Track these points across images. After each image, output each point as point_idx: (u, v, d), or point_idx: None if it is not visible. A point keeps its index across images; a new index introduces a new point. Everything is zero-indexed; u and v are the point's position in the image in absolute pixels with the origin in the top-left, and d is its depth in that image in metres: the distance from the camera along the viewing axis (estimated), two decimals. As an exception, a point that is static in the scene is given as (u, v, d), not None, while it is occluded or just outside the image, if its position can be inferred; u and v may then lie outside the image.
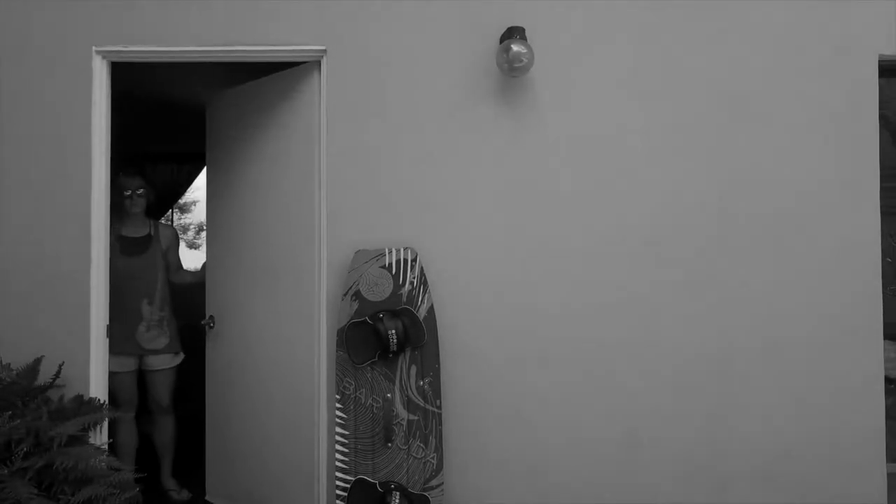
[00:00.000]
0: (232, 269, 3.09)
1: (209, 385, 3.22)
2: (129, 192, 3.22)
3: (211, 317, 3.17)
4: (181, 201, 5.78)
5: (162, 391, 3.31)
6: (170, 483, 3.36)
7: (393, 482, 2.46)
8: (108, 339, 2.69)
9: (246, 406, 3.00)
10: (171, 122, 4.83)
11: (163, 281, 3.31)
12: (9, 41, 2.63)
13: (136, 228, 3.29)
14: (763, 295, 2.66)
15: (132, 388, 3.23)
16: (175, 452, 3.42)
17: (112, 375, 2.87)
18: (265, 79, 2.95)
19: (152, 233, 3.33)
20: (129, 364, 3.17)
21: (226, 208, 3.14)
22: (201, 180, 5.50)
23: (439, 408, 2.52)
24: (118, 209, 3.11)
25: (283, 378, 2.83)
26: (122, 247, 3.17)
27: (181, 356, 3.38)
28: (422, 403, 2.51)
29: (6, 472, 2.18)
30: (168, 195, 5.50)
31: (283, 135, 2.87)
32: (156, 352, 3.24)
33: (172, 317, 3.35)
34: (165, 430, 3.37)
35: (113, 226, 2.85)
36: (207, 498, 3.21)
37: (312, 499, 2.68)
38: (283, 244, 2.85)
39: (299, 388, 2.75)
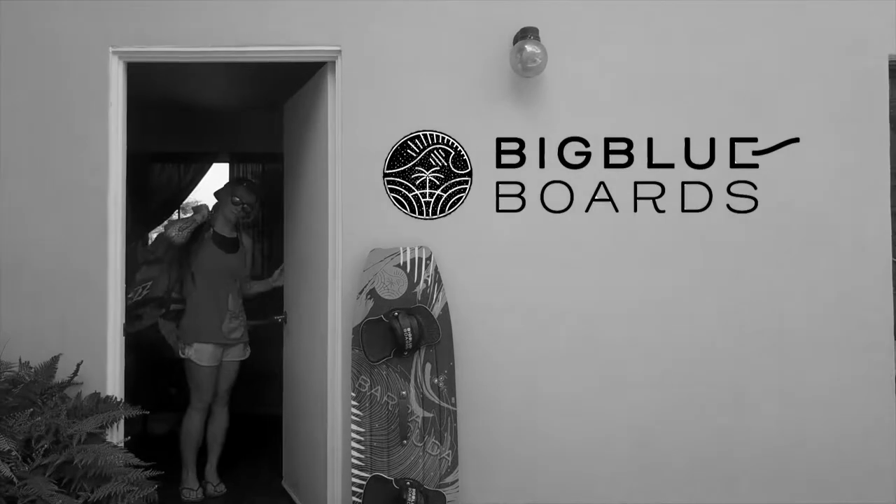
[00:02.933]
0: (294, 268, 3.27)
1: (285, 378, 3.38)
2: (243, 204, 3.39)
3: (285, 313, 3.33)
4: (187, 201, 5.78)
5: (227, 382, 3.41)
6: (212, 476, 3.43)
7: (409, 479, 2.48)
8: (199, 331, 3.18)
9: (297, 400, 3.15)
10: (179, 121, 4.88)
11: (242, 279, 3.52)
12: (26, 42, 2.65)
13: (229, 230, 3.47)
14: (772, 293, 2.68)
15: (213, 381, 3.33)
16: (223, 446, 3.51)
17: (199, 368, 3.21)
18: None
19: (239, 237, 3.53)
20: (217, 357, 3.30)
21: (291, 208, 3.39)
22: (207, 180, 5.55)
23: (454, 405, 2.54)
24: (220, 210, 3.43)
25: (308, 374, 2.87)
26: (217, 242, 3.37)
27: (249, 350, 3.50)
28: (437, 401, 2.53)
29: (27, 469, 2.20)
30: (176, 195, 5.52)
31: (309, 135, 2.92)
32: (234, 342, 3.37)
33: (244, 312, 3.51)
34: (220, 422, 3.44)
35: (208, 223, 3.31)
36: (283, 483, 3.35)
37: (328, 494, 2.70)
38: (309, 243, 2.91)
39: (317, 385, 2.78)
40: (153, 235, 5.27)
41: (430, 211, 2.66)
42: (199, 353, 3.23)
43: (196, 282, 3.31)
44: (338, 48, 2.68)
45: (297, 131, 3.18)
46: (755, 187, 2.69)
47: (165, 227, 3.47)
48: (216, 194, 3.51)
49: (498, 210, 2.68)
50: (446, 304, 2.58)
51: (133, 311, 3.18)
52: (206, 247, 3.31)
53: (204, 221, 3.25)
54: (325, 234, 2.76)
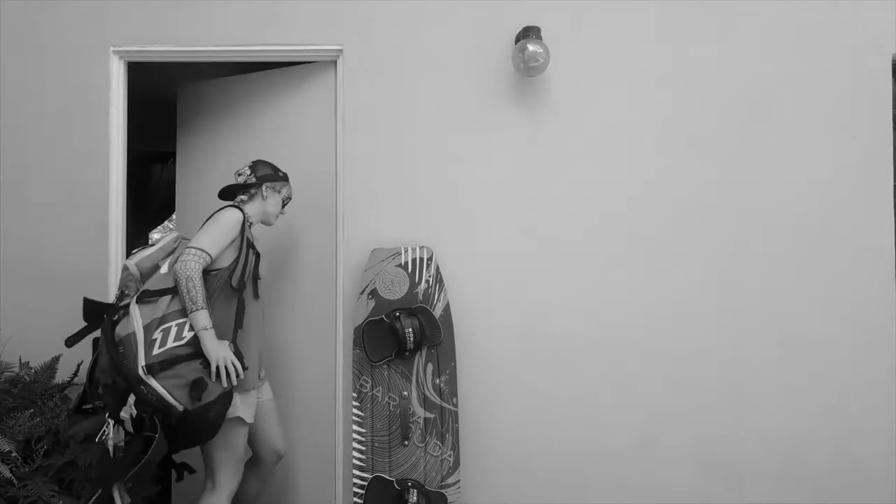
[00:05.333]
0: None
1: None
2: (286, 203, 2.49)
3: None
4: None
5: (274, 428, 2.42)
6: None
7: (410, 480, 2.47)
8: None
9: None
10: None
11: None
12: (26, 41, 2.64)
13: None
14: (777, 295, 2.68)
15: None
16: None
17: (238, 428, 2.17)
18: (274, 71, 2.94)
19: None
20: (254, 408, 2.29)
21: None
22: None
23: (456, 406, 2.53)
24: (259, 205, 2.39)
25: (304, 376, 2.85)
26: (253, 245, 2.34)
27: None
28: (438, 401, 2.52)
29: (27, 470, 2.19)
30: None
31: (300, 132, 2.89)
32: (263, 379, 2.42)
33: None
34: (263, 479, 2.45)
35: (246, 231, 2.26)
36: None
37: (331, 496, 2.69)
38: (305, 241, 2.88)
39: (319, 386, 2.77)
40: (155, 236, 5.25)
41: (432, 210, 2.66)
42: (247, 406, 2.22)
43: (248, 298, 2.26)
44: (339, 47, 2.68)
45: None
46: (758, 188, 2.68)
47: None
48: (264, 178, 2.39)
49: (500, 208, 2.67)
50: (448, 304, 2.57)
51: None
52: (253, 249, 2.30)
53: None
54: (329, 233, 2.75)
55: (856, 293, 2.67)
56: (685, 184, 2.68)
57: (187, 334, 2.03)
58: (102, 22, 2.65)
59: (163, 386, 1.95)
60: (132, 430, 1.98)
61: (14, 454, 2.13)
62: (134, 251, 2.23)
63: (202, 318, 2.03)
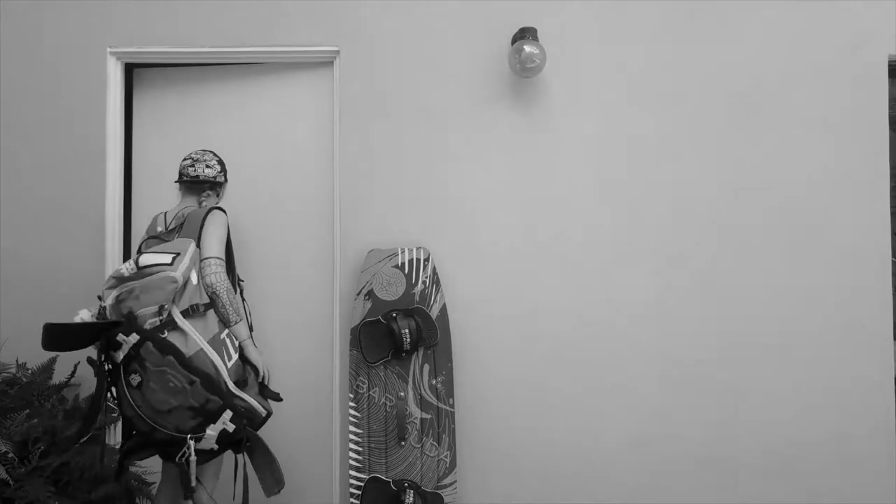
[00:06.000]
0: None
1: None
2: None
3: None
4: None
5: None
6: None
7: (406, 480, 2.47)
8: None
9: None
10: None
11: None
12: (24, 43, 2.65)
13: None
14: (773, 294, 2.68)
15: None
16: None
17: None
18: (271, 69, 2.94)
19: None
20: None
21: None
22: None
23: (452, 406, 2.53)
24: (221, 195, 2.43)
25: (302, 377, 2.85)
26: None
27: None
28: (435, 402, 2.52)
29: (23, 471, 2.19)
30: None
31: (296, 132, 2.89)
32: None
33: None
34: None
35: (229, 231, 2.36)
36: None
37: (328, 496, 2.69)
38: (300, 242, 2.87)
39: (316, 387, 2.77)
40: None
41: (429, 211, 2.66)
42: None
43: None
44: (336, 49, 2.68)
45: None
46: (754, 188, 2.69)
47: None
48: (225, 177, 2.40)
49: (496, 209, 2.67)
50: (444, 304, 2.57)
51: None
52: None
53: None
54: (326, 234, 2.75)
55: (853, 293, 2.67)
56: (682, 184, 2.69)
57: (236, 343, 2.10)
58: (100, 23, 2.66)
59: (251, 395, 2.05)
60: (216, 446, 2.00)
61: (10, 455, 2.13)
62: (158, 260, 1.99)
63: (244, 329, 2.11)
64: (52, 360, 2.51)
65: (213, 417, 1.95)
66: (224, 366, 1.99)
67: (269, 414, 2.10)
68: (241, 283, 2.34)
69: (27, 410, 2.30)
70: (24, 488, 2.13)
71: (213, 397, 1.94)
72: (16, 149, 2.64)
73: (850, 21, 2.71)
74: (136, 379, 1.93)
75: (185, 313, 1.98)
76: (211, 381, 1.94)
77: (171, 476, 2.18)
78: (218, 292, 2.04)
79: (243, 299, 2.32)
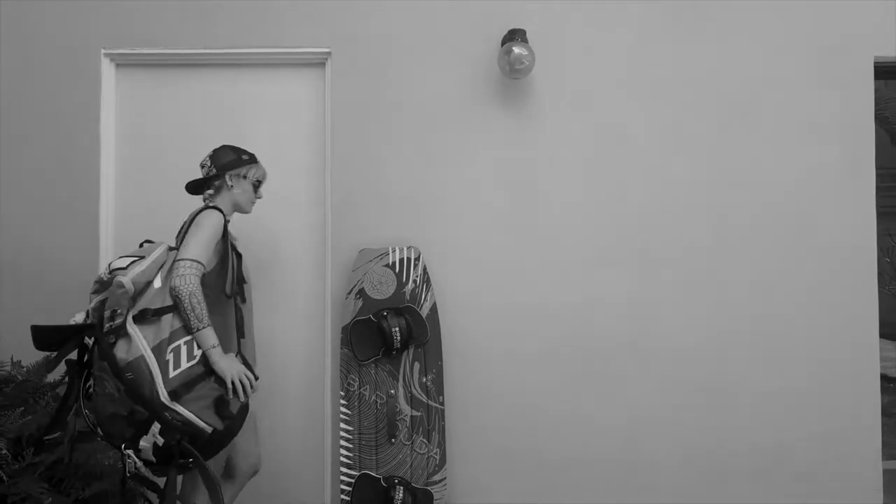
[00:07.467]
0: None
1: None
2: (258, 186, 2.35)
3: None
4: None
5: (252, 441, 2.35)
6: None
7: (397, 477, 2.50)
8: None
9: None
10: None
11: None
12: (18, 43, 2.67)
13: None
14: (761, 294, 2.71)
15: None
16: None
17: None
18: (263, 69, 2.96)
19: None
20: None
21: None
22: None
23: (442, 404, 2.56)
24: (230, 197, 2.27)
25: (293, 375, 2.87)
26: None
27: None
28: (425, 400, 2.55)
29: (17, 467, 2.22)
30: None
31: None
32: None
33: None
34: None
35: (228, 233, 2.20)
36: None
37: (319, 493, 2.72)
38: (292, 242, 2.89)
39: (307, 385, 2.79)
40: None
41: (420, 211, 2.69)
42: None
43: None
44: (328, 50, 2.70)
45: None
46: (742, 188, 2.71)
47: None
48: (225, 166, 2.22)
49: (486, 209, 2.70)
50: (435, 303, 2.60)
51: None
52: (235, 251, 2.21)
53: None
54: (317, 234, 2.77)
55: (841, 293, 2.70)
56: (670, 184, 2.71)
57: (197, 352, 1.92)
58: (94, 24, 2.68)
59: (190, 410, 1.86)
60: (153, 459, 1.87)
61: (4, 451, 2.15)
62: (121, 265, 1.95)
63: (210, 336, 1.93)
64: (47, 359, 2.52)
65: (144, 428, 1.84)
66: (160, 374, 1.84)
67: (219, 431, 1.90)
68: (244, 284, 2.21)
69: (22, 408, 2.33)
70: (17, 484, 2.16)
71: (137, 407, 1.83)
72: (11, 149, 2.66)
73: (835, 23, 2.73)
74: (90, 383, 1.90)
75: (137, 318, 1.88)
76: (134, 390, 1.82)
77: (191, 478, 2.11)
78: (180, 296, 1.89)
79: (239, 305, 2.14)
